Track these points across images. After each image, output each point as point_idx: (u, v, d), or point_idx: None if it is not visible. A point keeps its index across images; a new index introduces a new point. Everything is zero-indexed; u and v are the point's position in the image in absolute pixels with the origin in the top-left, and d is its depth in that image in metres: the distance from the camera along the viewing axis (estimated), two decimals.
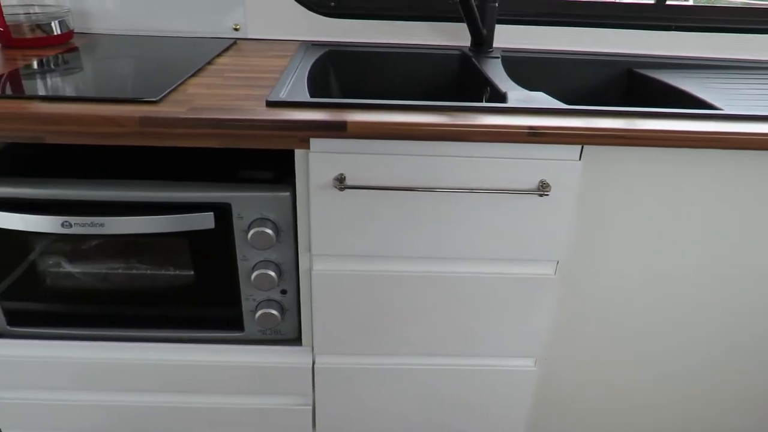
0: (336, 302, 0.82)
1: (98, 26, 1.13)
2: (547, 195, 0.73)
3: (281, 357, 0.89)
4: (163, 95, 0.74)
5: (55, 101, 0.71)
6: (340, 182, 0.72)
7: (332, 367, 0.88)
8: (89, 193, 0.77)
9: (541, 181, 0.72)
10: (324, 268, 0.80)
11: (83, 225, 0.77)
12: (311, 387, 0.90)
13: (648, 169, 0.74)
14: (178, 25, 1.13)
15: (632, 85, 1.09)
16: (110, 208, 0.78)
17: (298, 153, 0.73)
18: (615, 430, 1.01)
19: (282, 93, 0.76)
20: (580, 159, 0.72)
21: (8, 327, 0.89)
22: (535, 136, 0.68)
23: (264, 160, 0.90)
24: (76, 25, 1.12)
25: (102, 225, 0.77)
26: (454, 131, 0.68)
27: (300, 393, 0.91)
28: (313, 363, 0.88)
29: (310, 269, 0.81)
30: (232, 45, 1.09)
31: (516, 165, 0.71)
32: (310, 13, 1.12)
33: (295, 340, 0.90)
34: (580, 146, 0.71)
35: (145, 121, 0.67)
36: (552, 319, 0.86)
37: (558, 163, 0.72)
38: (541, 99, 0.76)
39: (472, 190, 0.72)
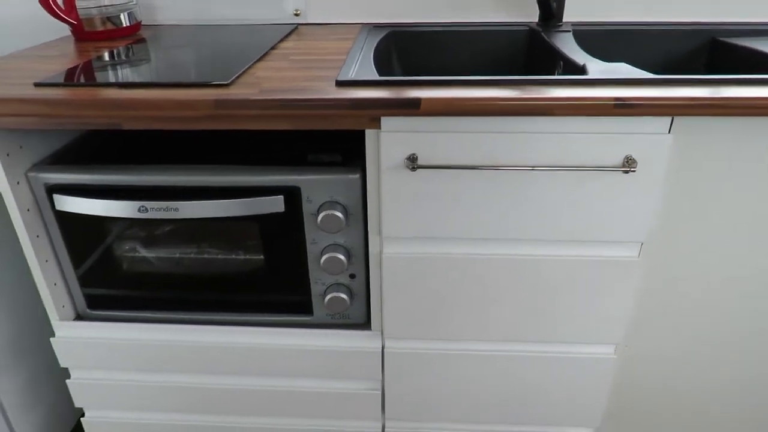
0: (407, 285, 0.80)
1: (163, 17, 1.15)
2: (633, 171, 0.68)
3: (350, 341, 0.88)
4: (233, 78, 0.74)
5: (130, 88, 0.72)
6: (412, 162, 0.70)
7: (402, 352, 0.87)
8: (164, 178, 0.79)
9: (627, 157, 0.68)
10: (395, 251, 0.78)
11: (159, 209, 0.78)
12: (380, 372, 0.89)
13: (745, 144, 0.69)
14: (239, 13, 1.14)
15: (715, 56, 1.02)
16: (184, 193, 0.79)
17: (369, 133, 0.71)
18: (693, 423, 0.96)
19: (350, 73, 0.75)
20: (669, 132, 0.67)
21: (88, 310, 0.92)
22: (621, 107, 0.64)
23: (332, 144, 0.89)
24: (142, 17, 1.15)
25: (176, 209, 0.78)
26: (534, 105, 0.64)
27: (369, 378, 0.90)
28: (383, 347, 0.87)
29: (381, 252, 0.79)
30: (293, 30, 1.08)
31: (600, 140, 0.67)
32: None
33: (364, 324, 0.90)
34: (669, 118, 0.66)
35: (219, 104, 0.67)
36: (633, 305, 0.81)
37: (645, 137, 0.67)
38: (625, 70, 0.72)
39: (551, 168, 0.69)
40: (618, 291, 0.78)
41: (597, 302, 0.80)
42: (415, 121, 0.68)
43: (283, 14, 1.14)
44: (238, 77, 0.76)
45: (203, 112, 0.68)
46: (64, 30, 1.11)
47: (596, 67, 0.74)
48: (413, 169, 0.70)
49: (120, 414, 0.99)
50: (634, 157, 0.68)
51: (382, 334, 0.87)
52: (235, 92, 0.69)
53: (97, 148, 0.90)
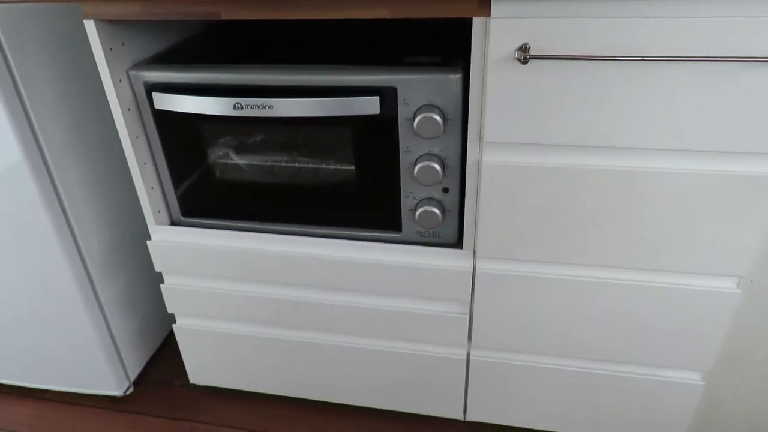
0: (505, 200, 0.75)
1: None
2: None
3: (440, 259, 0.84)
4: None
5: None
6: (524, 53, 0.63)
7: (495, 273, 0.82)
8: (260, 77, 0.77)
9: None
10: (495, 159, 0.73)
11: (253, 107, 0.76)
12: (470, 294, 0.85)
13: None
14: None
15: None
16: (279, 92, 0.77)
17: (477, 22, 0.65)
18: None
19: None
20: None
21: (182, 217, 0.94)
22: None
23: (432, 47, 0.84)
24: None
25: (271, 107, 0.76)
26: None
27: (457, 300, 0.86)
28: (474, 268, 0.83)
29: (479, 161, 0.74)
30: None
31: (746, 25, 0.58)
32: None
33: (455, 244, 0.85)
34: None
35: None
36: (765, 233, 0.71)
37: None
38: None
39: (689, 59, 0.60)
40: (751, 214, 0.69)
41: (724, 226, 0.70)
42: (530, 5, 0.62)
43: None
44: None
45: None
46: None
47: None
48: (524, 60, 0.64)
49: (208, 323, 1.02)
50: None
51: (474, 253, 0.82)
52: None
53: (196, 51, 0.90)
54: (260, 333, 0.99)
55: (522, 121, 0.68)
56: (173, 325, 1.03)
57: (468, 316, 0.87)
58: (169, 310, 1.01)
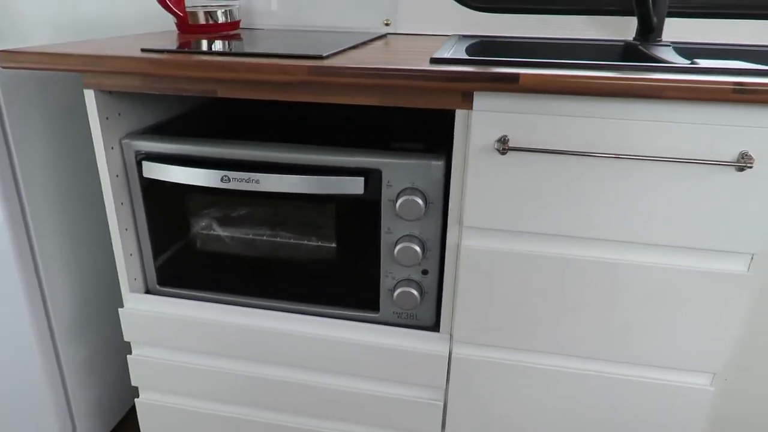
0: (484, 284, 0.76)
1: (261, 22, 1.20)
2: (749, 168, 0.62)
3: (417, 342, 0.83)
4: (329, 54, 0.75)
5: (229, 56, 0.74)
6: (503, 144, 0.67)
7: (471, 359, 0.81)
8: (248, 152, 0.79)
9: (742, 153, 0.62)
10: (474, 243, 0.74)
11: (240, 180, 0.78)
12: (445, 380, 0.83)
13: None
14: (331, 20, 1.17)
15: None
16: (266, 167, 0.79)
17: (459, 114, 0.69)
18: None
19: (445, 54, 0.74)
20: None
21: (158, 286, 0.93)
22: (740, 93, 0.59)
23: (416, 135, 0.88)
24: (241, 19, 1.20)
25: (257, 181, 0.78)
26: (643, 86, 0.60)
27: (432, 385, 0.84)
28: (450, 353, 0.82)
29: (459, 244, 0.75)
30: (383, 36, 1.10)
31: (713, 132, 0.62)
32: (462, 7, 1.10)
33: (431, 327, 0.85)
34: None
35: (314, 70, 0.68)
36: (738, 328, 0.73)
37: (765, 132, 0.61)
38: (743, 64, 0.67)
39: (655, 158, 0.64)
40: (721, 310, 0.70)
41: (695, 321, 0.72)
42: (510, 101, 0.66)
43: (374, 24, 1.17)
44: (333, 54, 0.76)
45: (298, 78, 0.68)
46: (169, 26, 1.18)
47: (708, 63, 0.69)
48: (503, 151, 0.67)
49: (175, 399, 0.97)
50: (750, 153, 0.62)
51: (451, 337, 0.82)
52: (329, 62, 0.69)
53: (190, 124, 0.93)
54: (229, 413, 0.95)
55: (500, 208, 0.71)
56: (136, 400, 0.99)
57: (442, 403, 0.85)
58: (134, 383, 0.97)
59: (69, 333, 0.99)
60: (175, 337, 0.91)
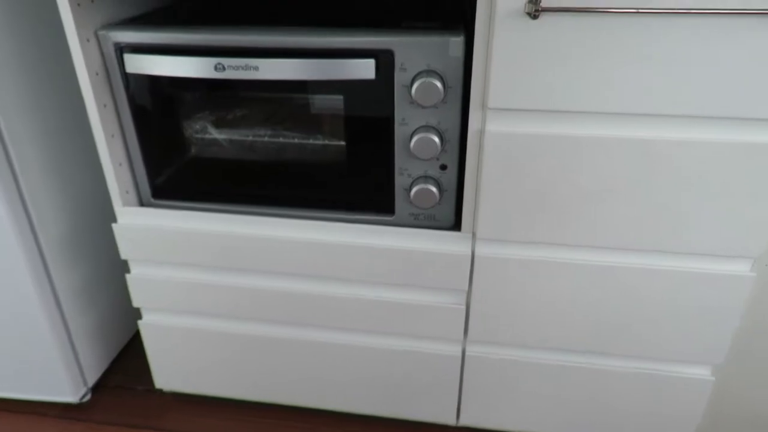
0: (509, 173, 0.69)
1: None
2: None
3: (436, 243, 0.77)
4: None
5: None
6: (534, 4, 0.58)
7: (496, 258, 0.75)
8: (245, 38, 0.70)
9: None
10: (499, 128, 0.67)
11: (237, 68, 0.70)
12: (467, 282, 0.78)
13: None
14: None
15: None
16: (265, 53, 0.70)
17: None
18: None
19: None
20: None
21: (153, 198, 0.86)
22: None
23: (426, 11, 0.79)
24: None
25: (256, 68, 0.69)
26: None
27: (454, 288, 0.79)
28: (473, 253, 0.76)
29: (482, 130, 0.68)
30: None
31: None
32: None
33: (451, 228, 0.79)
34: None
35: None
36: None
37: None
38: None
39: (723, 11, 0.56)
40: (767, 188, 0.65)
41: (739, 207, 0.66)
42: None
43: None
44: None
45: None
46: None
47: None
48: (535, 14, 0.59)
49: (179, 319, 0.92)
50: None
51: (473, 236, 0.76)
52: None
53: (173, 16, 0.83)
54: (237, 330, 0.91)
55: (530, 85, 0.63)
56: (139, 322, 0.94)
57: (465, 308, 0.80)
58: (135, 304, 0.92)
59: (61, 255, 0.93)
60: (176, 253, 0.85)
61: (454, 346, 0.85)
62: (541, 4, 0.58)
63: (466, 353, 0.85)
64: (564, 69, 0.62)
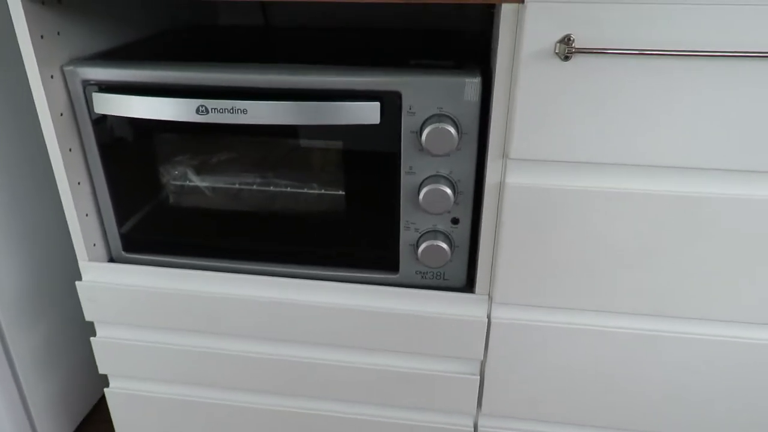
0: (533, 231, 0.61)
1: None
2: None
3: (447, 306, 0.68)
4: None
5: None
6: (567, 45, 0.51)
7: (515, 324, 0.67)
8: (230, 76, 0.62)
9: None
10: (522, 180, 0.59)
11: (222, 111, 0.61)
12: (483, 350, 0.69)
13: None
14: None
15: None
16: (254, 94, 0.62)
17: (507, 9, 0.53)
18: None
19: None
20: None
21: (124, 252, 0.76)
22: None
23: (434, 52, 0.72)
24: None
25: (244, 111, 0.61)
26: None
27: (467, 357, 0.70)
28: (489, 318, 0.67)
29: (502, 182, 0.60)
30: None
31: None
32: None
33: (462, 288, 0.70)
34: None
35: None
36: None
37: None
38: None
39: None
40: None
41: None
42: None
43: None
44: None
45: None
46: None
47: None
48: (567, 56, 0.52)
49: (152, 387, 0.81)
50: None
51: (490, 299, 0.67)
52: None
53: (147, 51, 0.75)
54: (220, 400, 0.80)
55: (558, 133, 0.56)
56: (105, 390, 0.83)
57: (479, 378, 0.71)
58: (101, 370, 0.81)
59: (16, 316, 0.82)
60: (150, 314, 0.74)
61: (465, 419, 0.75)
62: (574, 45, 0.51)
63: (479, 428, 0.75)
64: (598, 116, 0.54)
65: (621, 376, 0.67)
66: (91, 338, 0.78)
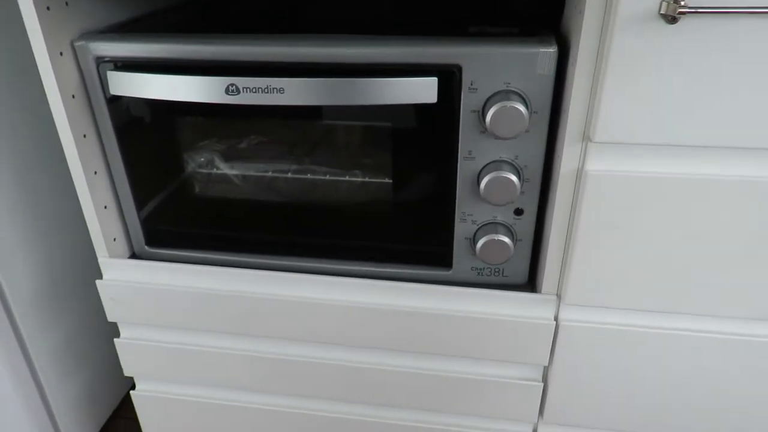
0: (616, 225, 0.53)
1: None
2: None
3: (508, 307, 0.61)
4: None
5: None
6: (675, 4, 0.42)
7: (587, 327, 0.59)
8: (265, 50, 0.54)
9: None
10: (607, 168, 0.51)
11: (255, 90, 0.53)
12: (548, 355, 0.62)
13: None
14: None
15: None
16: (292, 70, 0.54)
17: None
18: None
19: None
20: None
21: (146, 247, 0.69)
22: None
23: (494, 16, 0.63)
24: None
25: (281, 90, 0.53)
26: None
27: (530, 362, 0.63)
28: (557, 320, 0.60)
29: (580, 168, 0.52)
30: None
31: None
32: None
33: (522, 286, 0.63)
34: None
35: None
36: None
37: None
38: None
39: None
40: None
41: None
42: None
43: None
44: None
45: None
46: None
47: None
48: (673, 18, 0.43)
49: (180, 389, 0.76)
50: None
51: (558, 298, 0.59)
52: None
53: (169, 20, 0.67)
54: (252, 403, 0.74)
55: (660, 112, 0.47)
56: (131, 392, 0.77)
57: (542, 385, 0.64)
58: (126, 373, 0.75)
59: (36, 318, 0.76)
60: (177, 314, 0.68)
61: (524, 426, 0.69)
62: (685, 3, 0.42)
63: None
64: (710, 91, 0.45)
65: (708, 382, 0.60)
66: (115, 339, 0.72)
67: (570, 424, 0.67)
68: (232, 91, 0.53)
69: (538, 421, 0.68)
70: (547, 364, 0.63)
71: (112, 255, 0.68)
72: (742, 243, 0.51)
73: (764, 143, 0.47)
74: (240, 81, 0.53)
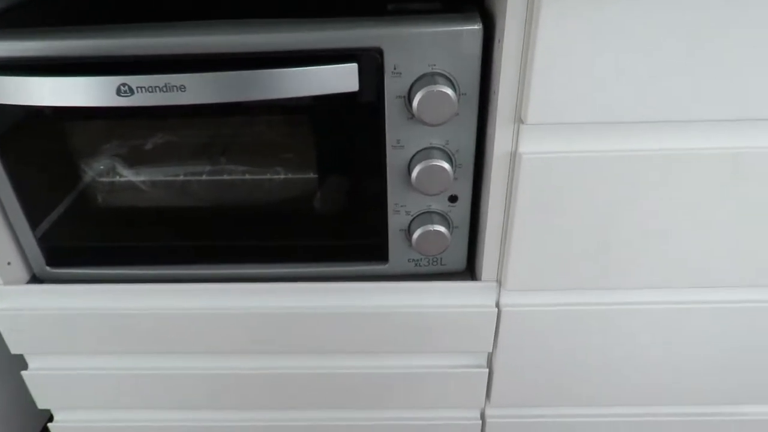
0: (553, 206, 0.51)
1: None
2: None
3: (448, 296, 0.59)
4: None
5: None
6: None
7: (528, 312, 0.58)
8: (160, 42, 0.47)
9: None
10: (542, 149, 0.49)
11: (152, 90, 0.47)
12: (492, 342, 0.61)
13: None
14: None
15: None
16: (195, 65, 0.47)
17: None
18: None
19: None
20: None
21: (47, 268, 0.61)
22: None
23: None
24: None
25: (182, 88, 0.47)
26: None
27: (474, 350, 0.62)
28: (499, 306, 0.59)
29: (514, 151, 0.50)
30: None
31: None
32: None
33: (461, 274, 0.61)
34: None
35: None
36: None
37: None
38: None
39: None
40: None
41: None
42: None
43: None
44: None
45: None
46: None
47: None
48: None
49: (103, 415, 0.70)
50: None
51: (498, 284, 0.58)
52: None
53: (46, 10, 0.58)
54: (177, 421, 0.69)
55: (596, 88, 0.45)
56: (49, 425, 0.70)
57: (487, 370, 0.63)
58: (40, 406, 0.68)
59: None
60: (89, 338, 0.61)
61: (472, 412, 0.68)
62: None
63: (487, 419, 0.68)
64: (640, 65, 0.44)
65: (643, 355, 0.61)
66: (22, 372, 0.65)
67: (518, 405, 0.67)
68: (125, 92, 0.46)
69: (485, 405, 0.67)
70: (491, 350, 0.62)
71: (7, 281, 0.60)
72: (677, 216, 0.51)
73: (693, 116, 0.46)
74: (133, 80, 0.46)
